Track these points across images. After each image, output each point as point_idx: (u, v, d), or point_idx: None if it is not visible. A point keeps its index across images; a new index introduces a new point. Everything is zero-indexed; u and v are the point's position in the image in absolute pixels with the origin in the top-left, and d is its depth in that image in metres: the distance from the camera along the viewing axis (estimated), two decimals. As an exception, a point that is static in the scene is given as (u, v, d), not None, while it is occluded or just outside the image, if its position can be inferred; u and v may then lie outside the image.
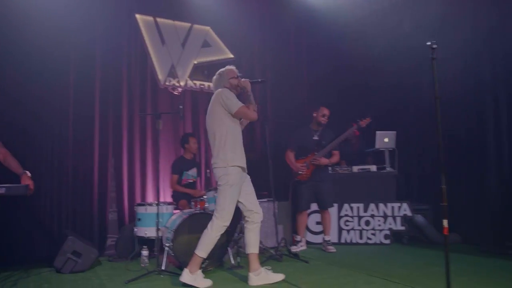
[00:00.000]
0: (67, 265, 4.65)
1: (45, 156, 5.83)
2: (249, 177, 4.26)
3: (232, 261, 4.85)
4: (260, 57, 7.80)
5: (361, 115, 5.90)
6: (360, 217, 6.32)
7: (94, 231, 6.00)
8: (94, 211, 6.03)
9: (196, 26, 7.36)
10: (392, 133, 6.72)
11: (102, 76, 6.34)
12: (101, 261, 5.32)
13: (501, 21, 5.85)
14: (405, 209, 6.22)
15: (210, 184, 6.65)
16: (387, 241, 6.18)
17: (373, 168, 6.63)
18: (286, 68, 7.69)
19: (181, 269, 4.54)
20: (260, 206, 4.25)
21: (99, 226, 6.05)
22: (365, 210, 6.32)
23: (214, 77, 4.41)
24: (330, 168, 6.30)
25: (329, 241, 5.88)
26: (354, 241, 6.29)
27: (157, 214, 4.65)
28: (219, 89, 4.20)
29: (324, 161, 5.82)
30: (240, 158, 4.11)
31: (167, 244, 4.70)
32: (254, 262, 4.07)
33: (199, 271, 4.01)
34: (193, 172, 6.14)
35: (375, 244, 6.21)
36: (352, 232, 6.33)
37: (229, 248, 4.86)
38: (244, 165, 4.13)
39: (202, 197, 5.13)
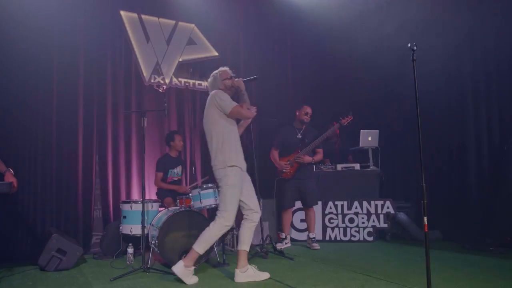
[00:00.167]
0: (52, 263, 4.62)
1: (28, 153, 5.77)
2: (249, 176, 4.30)
3: (218, 259, 4.88)
4: (245, 55, 7.80)
5: (343, 113, 5.97)
6: (344, 215, 6.40)
7: (78, 228, 5.95)
8: (78, 209, 5.98)
9: (181, 23, 7.34)
10: (375, 132, 6.81)
11: (86, 73, 6.29)
12: (86, 259, 5.31)
13: (481, 23, 5.98)
14: (388, 206, 6.32)
15: (195, 182, 6.68)
16: (371, 238, 6.27)
17: (357, 166, 6.71)
18: (270, 66, 7.71)
19: (167, 266, 4.57)
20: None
21: (84, 223, 6.01)
22: (349, 208, 6.40)
23: (209, 79, 4.43)
24: (314, 166, 6.36)
25: (313, 238, 5.94)
26: (338, 238, 6.37)
27: (143, 212, 4.65)
28: (213, 91, 4.23)
29: (307, 159, 5.88)
30: (238, 158, 4.13)
31: (153, 242, 4.71)
32: (243, 259, 4.09)
33: (192, 268, 4.03)
34: (178, 170, 6.14)
35: (359, 241, 6.29)
36: (336, 229, 6.40)
37: (215, 246, 4.89)
38: (243, 165, 4.16)
39: (187, 194, 5.14)
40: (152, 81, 6.93)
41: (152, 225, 4.96)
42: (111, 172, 6.35)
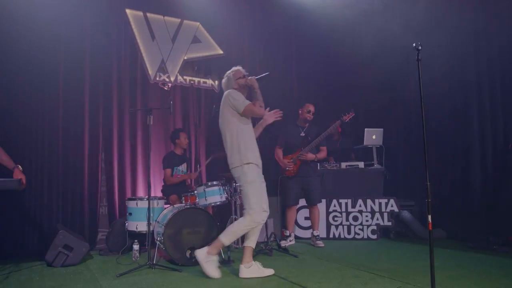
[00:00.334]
0: (58, 258, 4.68)
1: (35, 150, 5.82)
2: (262, 175, 4.33)
3: (223, 256, 4.92)
4: (250, 53, 7.82)
5: (345, 110, 5.98)
6: (348, 213, 6.42)
7: (84, 225, 6.00)
8: (84, 206, 6.02)
9: (186, 21, 7.36)
10: (380, 131, 6.82)
11: (92, 71, 6.33)
12: (92, 255, 5.36)
13: (486, 23, 5.99)
14: (392, 205, 6.34)
15: (200, 179, 6.72)
16: (375, 236, 6.30)
17: (361, 164, 6.72)
18: (275, 64, 7.72)
19: (172, 263, 4.62)
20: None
21: (90, 220, 6.05)
22: (353, 206, 6.43)
23: (223, 80, 4.49)
24: (318, 164, 6.38)
25: (317, 236, 5.97)
26: (342, 236, 6.40)
27: (149, 209, 4.69)
28: (227, 91, 4.29)
29: (310, 156, 5.89)
30: (254, 156, 4.18)
31: (158, 239, 4.75)
32: (248, 255, 4.13)
33: (215, 258, 4.07)
34: (183, 167, 6.17)
35: (362, 239, 6.32)
36: (340, 227, 6.43)
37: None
38: (259, 162, 4.21)
39: (193, 192, 5.17)
40: (157, 79, 6.96)
41: (158, 222, 5.00)
42: (116, 169, 6.39)
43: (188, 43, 7.35)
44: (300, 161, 5.91)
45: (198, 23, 7.45)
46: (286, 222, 6.08)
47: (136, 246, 4.95)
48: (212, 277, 4.02)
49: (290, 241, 5.96)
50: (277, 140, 6.17)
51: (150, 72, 6.92)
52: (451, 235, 6.17)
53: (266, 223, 5.31)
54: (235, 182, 5.04)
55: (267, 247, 5.27)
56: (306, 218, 6.42)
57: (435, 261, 2.94)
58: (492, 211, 5.76)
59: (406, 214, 6.47)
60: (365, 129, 6.76)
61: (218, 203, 5.02)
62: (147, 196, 4.81)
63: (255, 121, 4.51)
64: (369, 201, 6.39)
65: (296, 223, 6.42)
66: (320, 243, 5.87)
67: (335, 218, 6.44)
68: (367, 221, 6.35)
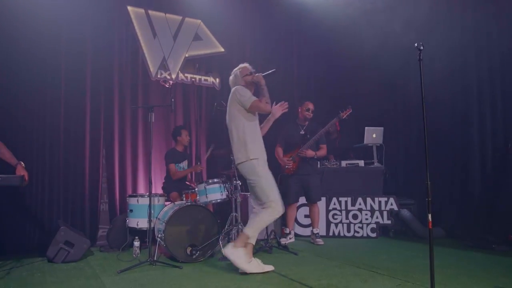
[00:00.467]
0: (60, 255, 4.70)
1: (36, 147, 5.84)
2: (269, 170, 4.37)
3: (223, 253, 4.93)
4: (251, 51, 7.83)
5: (342, 107, 5.97)
6: (348, 211, 6.44)
7: (85, 221, 6.02)
8: (85, 202, 6.05)
9: (187, 19, 7.37)
10: (380, 129, 6.84)
11: (93, 68, 6.34)
12: (93, 251, 5.38)
13: (488, 23, 5.99)
14: (391, 203, 6.35)
15: (201, 177, 6.74)
16: (374, 235, 6.31)
17: (361, 163, 6.74)
18: (276, 62, 7.71)
19: (173, 259, 4.64)
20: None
21: (91, 217, 6.08)
22: (353, 204, 6.44)
23: (230, 77, 4.54)
24: (318, 163, 6.40)
25: (317, 233, 5.99)
26: (342, 234, 6.41)
27: (149, 206, 4.71)
28: (234, 87, 4.34)
29: (310, 153, 5.90)
30: (260, 151, 4.25)
31: (159, 235, 4.77)
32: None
33: (242, 249, 4.07)
34: (184, 164, 6.19)
35: (362, 237, 6.34)
36: (340, 225, 6.45)
37: (220, 240, 4.94)
38: (265, 158, 4.26)
39: (194, 189, 5.20)
40: (158, 76, 6.97)
41: (159, 219, 5.02)
42: (117, 166, 6.41)
43: (190, 41, 7.36)
44: (299, 158, 5.91)
45: (199, 21, 7.46)
46: (286, 220, 6.09)
47: (136, 243, 4.97)
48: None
49: (290, 238, 5.98)
50: (277, 139, 6.18)
51: (151, 69, 6.93)
52: (450, 234, 6.19)
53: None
54: (236, 180, 5.08)
55: (267, 244, 5.30)
56: (306, 216, 6.44)
57: (434, 260, 2.96)
58: (491, 210, 5.77)
59: (405, 212, 6.49)
60: (366, 127, 6.78)
61: (218, 200, 5.05)
62: (148, 193, 4.83)
63: (262, 118, 4.53)
64: (369, 200, 6.41)
65: (296, 221, 6.44)
66: (320, 241, 5.88)
67: (335, 216, 6.46)
68: (366, 219, 6.37)
